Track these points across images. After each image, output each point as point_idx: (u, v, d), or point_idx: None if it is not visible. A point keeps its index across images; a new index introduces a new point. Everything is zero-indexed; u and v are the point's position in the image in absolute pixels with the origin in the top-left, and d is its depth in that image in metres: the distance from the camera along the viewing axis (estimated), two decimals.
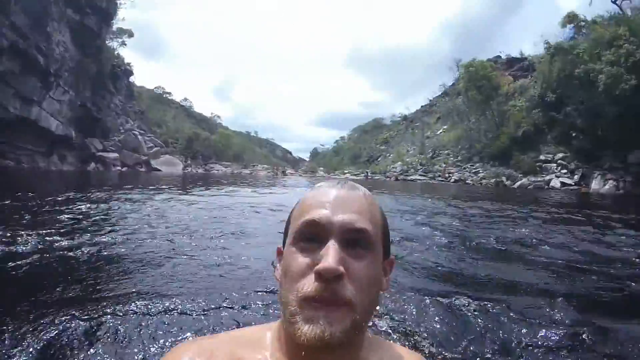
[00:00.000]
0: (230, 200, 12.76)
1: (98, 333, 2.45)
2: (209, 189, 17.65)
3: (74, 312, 2.70)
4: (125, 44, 60.21)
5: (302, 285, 0.90)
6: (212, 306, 2.93)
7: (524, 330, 2.80)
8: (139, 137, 55.71)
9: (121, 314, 2.72)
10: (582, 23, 40.41)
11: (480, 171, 45.52)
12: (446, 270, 4.84)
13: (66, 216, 7.23)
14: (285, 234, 1.08)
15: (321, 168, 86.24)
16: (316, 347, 0.86)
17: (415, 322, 2.89)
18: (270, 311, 2.84)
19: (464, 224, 8.73)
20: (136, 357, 2.26)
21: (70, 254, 4.53)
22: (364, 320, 0.95)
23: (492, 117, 49.67)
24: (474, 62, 51.30)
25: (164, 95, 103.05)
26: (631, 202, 19.45)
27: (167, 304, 2.93)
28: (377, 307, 1.34)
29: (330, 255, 0.89)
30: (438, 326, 2.83)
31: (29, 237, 5.09)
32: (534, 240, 6.85)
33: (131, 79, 71.17)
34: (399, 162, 64.09)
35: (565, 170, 36.89)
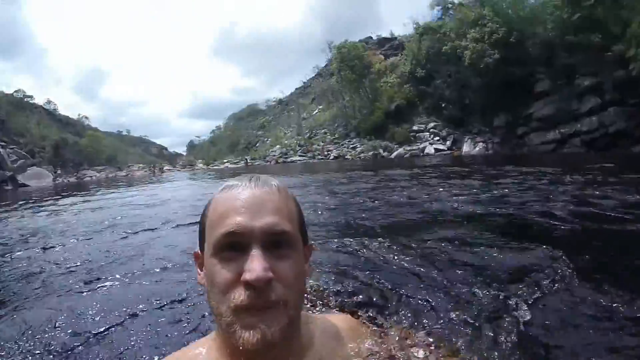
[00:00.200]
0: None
1: None
2: (84, 197, 15.49)
3: None
4: None
5: (232, 296, 0.90)
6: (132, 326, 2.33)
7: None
8: (1, 150, 48.89)
9: None
10: (450, 5, 43.31)
11: (358, 146, 46.85)
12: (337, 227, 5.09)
13: None
14: (201, 238, 1.06)
15: (200, 160, 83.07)
16: (259, 351, 0.89)
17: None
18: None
19: (342, 195, 8.78)
20: None
21: None
22: (298, 313, 1.01)
23: (366, 94, 51.45)
24: (346, 43, 52.66)
25: (25, 100, 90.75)
26: (498, 159, 21.59)
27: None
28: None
29: (256, 263, 0.89)
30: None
31: None
32: (421, 196, 7.31)
33: None
34: (278, 146, 64.03)
35: (437, 138, 39.57)
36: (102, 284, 3.15)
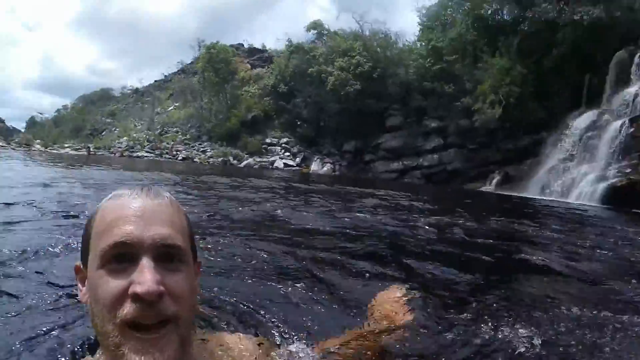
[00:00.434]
0: None
1: None
2: None
3: None
4: None
5: (119, 311, 0.81)
6: None
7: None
8: None
9: None
10: (325, 31, 44.54)
11: (209, 150, 44.66)
12: None
13: None
14: (85, 250, 0.95)
15: (38, 141, 72.56)
16: None
17: None
18: None
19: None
20: None
21: None
22: (189, 332, 0.93)
23: (225, 100, 49.58)
24: (216, 44, 50.49)
25: None
26: (343, 179, 23.62)
27: None
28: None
29: (147, 276, 0.81)
30: None
31: None
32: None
33: None
34: (126, 137, 58.17)
35: (288, 153, 38.97)
36: None
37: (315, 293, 2.73)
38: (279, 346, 1.47)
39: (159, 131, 57.55)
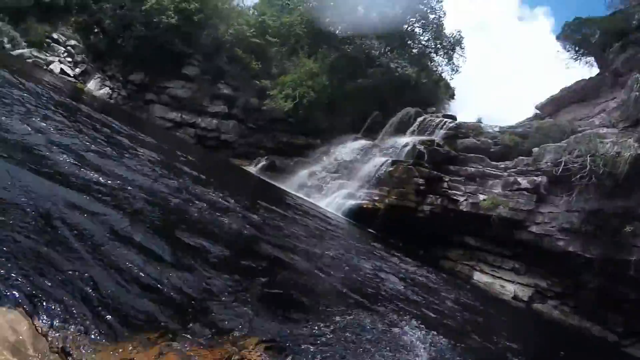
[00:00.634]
0: None
1: None
2: None
3: None
4: None
5: None
6: None
7: None
8: None
9: None
10: None
11: None
12: None
13: None
14: None
15: None
16: None
17: None
18: None
19: None
20: None
21: None
22: None
23: None
24: None
25: None
26: (117, 111, 22.16)
27: None
28: None
29: None
30: None
31: None
32: None
33: None
34: None
35: (70, 60, 33.02)
36: None
37: None
38: None
39: None
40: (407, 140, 21.38)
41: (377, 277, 9.00)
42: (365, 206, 18.84)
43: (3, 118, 6.36)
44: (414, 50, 30.15)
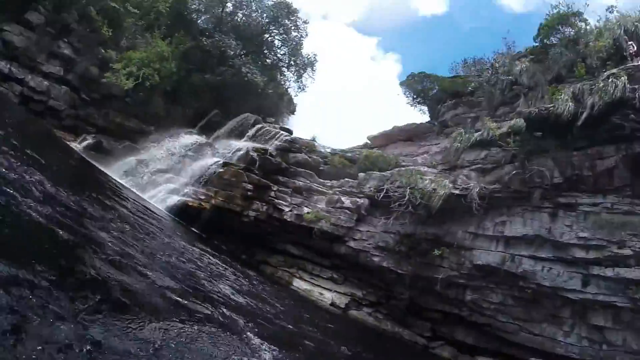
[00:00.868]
0: None
1: None
2: None
3: None
4: None
5: None
6: None
7: None
8: None
9: None
10: None
11: None
12: None
13: None
14: None
15: None
16: None
17: None
18: None
19: None
20: None
21: None
22: None
23: None
24: None
25: None
26: None
27: None
28: None
29: None
30: None
31: None
32: None
33: None
34: None
35: None
36: None
37: None
38: None
39: None
40: (242, 144, 20.72)
41: (200, 281, 8.76)
42: (190, 204, 17.71)
43: None
44: (268, 60, 30.08)
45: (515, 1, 76.15)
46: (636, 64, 14.01)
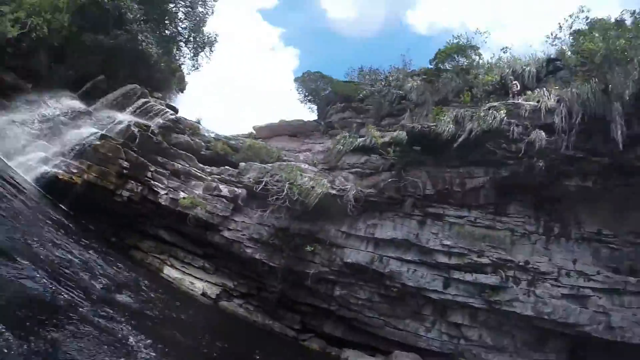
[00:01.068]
0: None
1: None
2: None
3: None
4: None
5: None
6: None
7: None
8: None
9: None
10: None
11: None
12: None
13: None
14: None
15: None
16: None
17: None
18: None
19: None
20: None
21: None
22: None
23: None
24: None
25: None
26: None
27: None
28: None
29: None
30: None
31: None
32: None
33: None
34: None
35: None
36: None
37: None
38: None
39: None
40: (123, 117, 18.83)
41: (68, 268, 8.32)
42: (61, 177, 15.81)
43: None
44: (167, 32, 27.50)
45: (422, 23, 79.83)
46: (516, 101, 15.01)
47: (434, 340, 14.55)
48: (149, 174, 16.90)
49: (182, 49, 27.97)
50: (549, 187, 13.97)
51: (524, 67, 17.66)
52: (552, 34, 17.47)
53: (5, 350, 3.77)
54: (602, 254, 13.74)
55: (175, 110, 21.10)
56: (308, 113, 26.92)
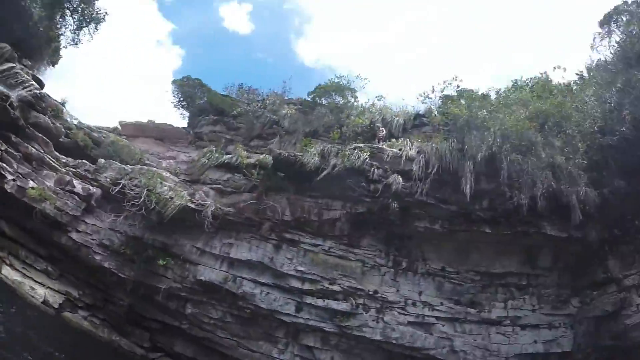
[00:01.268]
0: None
1: None
2: None
3: None
4: None
5: None
6: None
7: None
8: None
9: None
10: None
11: None
12: None
13: None
14: None
15: None
16: None
17: None
18: None
19: None
20: None
21: None
22: None
23: None
24: None
25: None
26: None
27: None
28: None
29: None
30: None
31: None
32: None
33: None
34: None
35: None
36: None
37: None
38: None
39: None
40: None
41: None
42: None
43: None
44: None
45: (311, 55, 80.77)
46: (381, 146, 15.84)
47: None
48: None
49: (66, 17, 24.72)
50: (400, 225, 14.73)
51: (394, 116, 18.82)
52: (424, 93, 19.01)
53: None
54: (445, 287, 14.78)
55: (42, 85, 17.93)
56: (179, 119, 25.69)
